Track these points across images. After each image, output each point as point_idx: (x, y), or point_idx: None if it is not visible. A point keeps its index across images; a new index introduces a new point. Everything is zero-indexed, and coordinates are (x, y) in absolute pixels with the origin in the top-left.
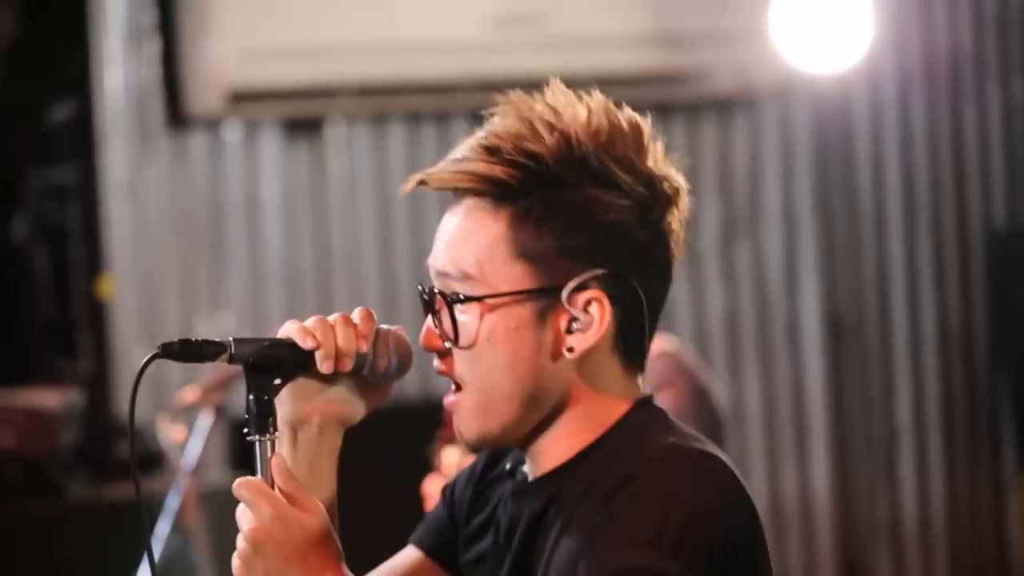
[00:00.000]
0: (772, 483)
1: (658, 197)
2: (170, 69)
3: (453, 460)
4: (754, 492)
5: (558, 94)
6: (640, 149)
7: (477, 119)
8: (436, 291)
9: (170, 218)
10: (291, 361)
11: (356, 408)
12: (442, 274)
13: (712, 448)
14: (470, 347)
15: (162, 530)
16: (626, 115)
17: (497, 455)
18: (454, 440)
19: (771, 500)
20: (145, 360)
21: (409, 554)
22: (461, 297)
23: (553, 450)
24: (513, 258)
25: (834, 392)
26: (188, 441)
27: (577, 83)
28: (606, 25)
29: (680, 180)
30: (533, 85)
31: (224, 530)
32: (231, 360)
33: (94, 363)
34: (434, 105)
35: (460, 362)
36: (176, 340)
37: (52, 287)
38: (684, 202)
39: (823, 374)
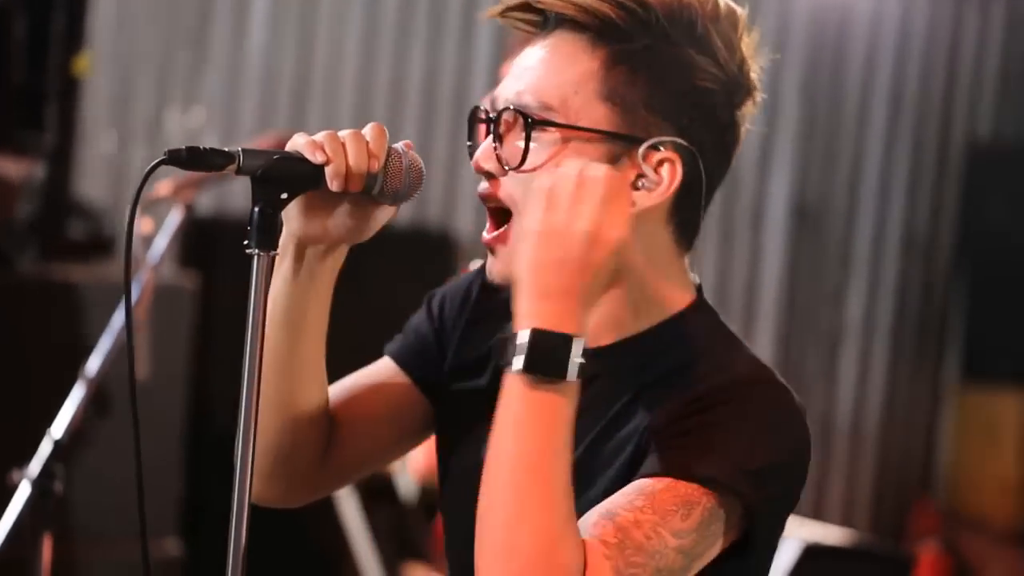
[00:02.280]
0: None
1: (743, 83)
2: None
3: None
4: None
5: None
6: (737, 31)
7: None
8: (512, 108)
9: (157, 4)
10: (300, 176)
11: (365, 227)
12: (519, 97)
13: (774, 372)
14: (534, 172)
15: (115, 320)
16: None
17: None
18: None
19: None
20: (150, 166)
21: (385, 365)
22: (539, 117)
23: (599, 324)
24: (599, 98)
25: (789, 281)
26: (155, 235)
27: None
28: None
29: (757, 79)
30: None
31: (166, 325)
32: (239, 171)
33: (59, 138)
34: None
35: (517, 185)
36: (183, 147)
37: (28, 55)
38: (758, 99)
39: (781, 262)
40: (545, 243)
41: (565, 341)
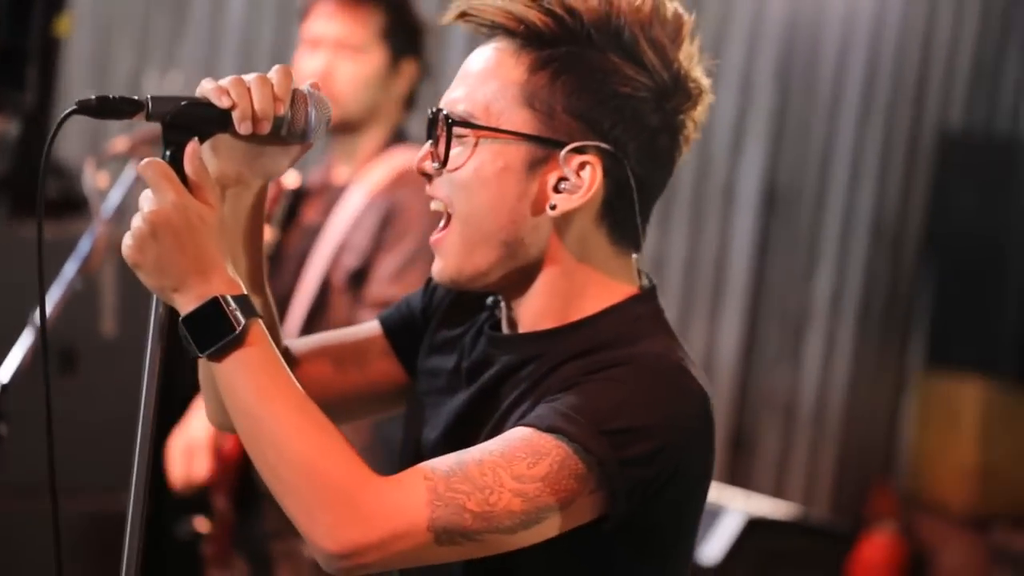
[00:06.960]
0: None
1: (680, 89)
2: None
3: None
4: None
5: None
6: (676, 39)
7: None
8: (441, 113)
9: None
10: (208, 120)
11: (279, 163)
12: (453, 103)
13: (693, 366)
14: (456, 171)
15: (68, 271)
16: (672, 5)
17: None
18: None
19: None
20: (61, 116)
21: (372, 327)
22: (458, 119)
23: (537, 312)
24: (520, 103)
25: (758, 261)
26: (110, 189)
27: None
28: None
29: (705, 83)
30: None
31: (133, 282)
32: (148, 118)
33: (38, 97)
34: None
35: (446, 185)
36: (93, 96)
37: (10, 16)
38: (705, 104)
39: (750, 241)
40: (153, 269)
41: (212, 306)
